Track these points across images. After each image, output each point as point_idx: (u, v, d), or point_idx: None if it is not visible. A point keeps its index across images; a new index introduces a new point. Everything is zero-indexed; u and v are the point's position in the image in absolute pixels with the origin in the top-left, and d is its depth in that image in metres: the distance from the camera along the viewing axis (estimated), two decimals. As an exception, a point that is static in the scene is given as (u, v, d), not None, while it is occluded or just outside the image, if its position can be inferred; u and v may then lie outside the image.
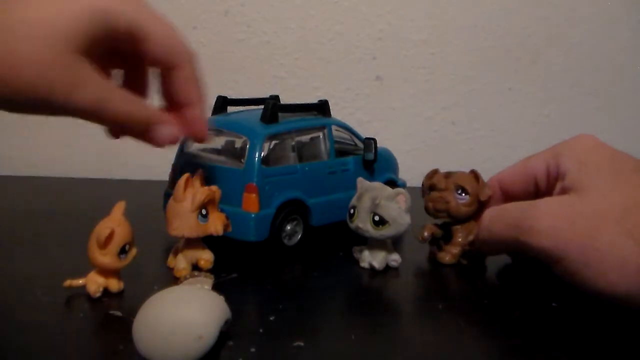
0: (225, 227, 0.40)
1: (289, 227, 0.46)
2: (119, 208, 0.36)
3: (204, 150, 0.48)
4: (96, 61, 0.30)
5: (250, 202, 0.43)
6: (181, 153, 0.48)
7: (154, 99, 0.35)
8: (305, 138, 0.48)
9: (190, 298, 0.30)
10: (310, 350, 0.30)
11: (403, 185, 0.55)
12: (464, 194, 0.43)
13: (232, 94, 0.51)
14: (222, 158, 0.46)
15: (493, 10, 0.74)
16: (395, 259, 0.43)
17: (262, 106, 0.46)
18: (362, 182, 0.43)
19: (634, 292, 0.32)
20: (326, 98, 0.51)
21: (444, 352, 0.31)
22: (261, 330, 0.32)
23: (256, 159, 0.43)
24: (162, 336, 0.28)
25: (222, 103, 0.50)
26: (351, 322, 0.35)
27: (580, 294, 0.35)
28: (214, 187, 0.40)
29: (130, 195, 0.61)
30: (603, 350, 0.32)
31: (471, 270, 0.43)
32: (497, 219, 0.40)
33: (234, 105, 0.51)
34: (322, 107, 0.50)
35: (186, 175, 0.39)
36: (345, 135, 0.51)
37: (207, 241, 0.41)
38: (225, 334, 0.30)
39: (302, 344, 0.31)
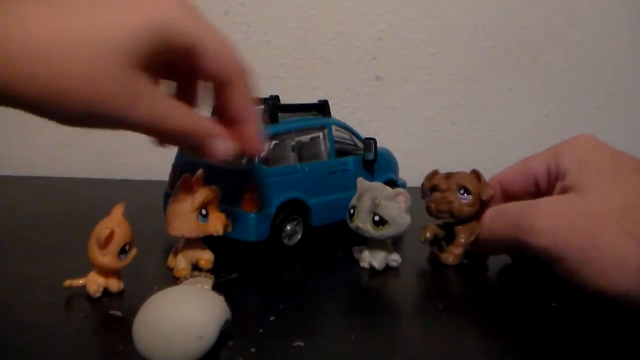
0: (225, 227, 0.40)
1: (289, 227, 0.46)
2: (119, 208, 0.36)
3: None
4: (150, 73, 0.30)
5: (250, 202, 0.43)
6: (181, 153, 0.48)
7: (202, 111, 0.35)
8: (305, 138, 0.48)
9: (190, 298, 0.30)
10: (310, 350, 0.30)
11: (403, 185, 0.55)
12: (466, 194, 0.43)
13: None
14: (222, 158, 0.46)
15: (493, 10, 0.74)
16: (395, 259, 0.43)
17: (262, 106, 0.46)
18: (362, 182, 0.43)
19: (634, 291, 0.32)
20: (326, 98, 0.51)
21: (444, 352, 0.31)
22: (261, 330, 0.32)
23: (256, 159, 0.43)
24: (162, 336, 0.28)
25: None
26: (351, 322, 0.35)
27: (580, 293, 0.35)
28: (214, 187, 0.40)
29: (130, 195, 0.61)
30: (603, 350, 0.32)
31: (471, 270, 0.43)
32: (498, 218, 0.40)
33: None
34: (322, 107, 0.50)
35: (186, 175, 0.39)
36: (345, 135, 0.51)
37: (207, 241, 0.41)
38: (225, 334, 0.30)
39: (302, 344, 0.31)
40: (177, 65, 0.32)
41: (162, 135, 0.32)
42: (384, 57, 0.75)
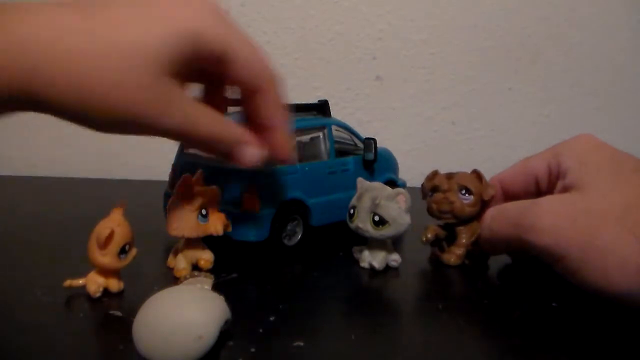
0: (225, 227, 0.40)
1: (289, 227, 0.46)
2: (119, 208, 0.36)
3: (204, 150, 0.48)
4: (180, 79, 0.30)
5: (250, 202, 0.43)
6: (181, 153, 0.48)
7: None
8: (305, 138, 0.48)
9: (190, 298, 0.30)
10: (310, 350, 0.30)
11: (403, 185, 0.55)
12: (467, 194, 0.43)
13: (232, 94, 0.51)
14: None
15: (493, 10, 0.74)
16: (395, 259, 0.43)
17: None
18: (362, 182, 0.43)
19: (634, 290, 0.32)
20: (326, 98, 0.51)
21: (444, 352, 0.31)
22: (261, 330, 0.32)
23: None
24: (162, 336, 0.28)
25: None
26: (351, 322, 0.35)
27: (580, 293, 0.35)
28: (214, 187, 0.40)
29: (130, 195, 0.61)
30: (603, 350, 0.32)
31: (471, 270, 0.43)
32: (499, 217, 0.40)
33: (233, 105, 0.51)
34: (322, 107, 0.50)
35: (186, 175, 0.39)
36: (345, 135, 0.51)
37: (207, 241, 0.41)
38: (225, 334, 0.30)
39: (302, 344, 0.31)
40: (206, 70, 0.32)
41: (193, 142, 0.33)
42: (384, 57, 0.75)
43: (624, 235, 0.32)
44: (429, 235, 0.44)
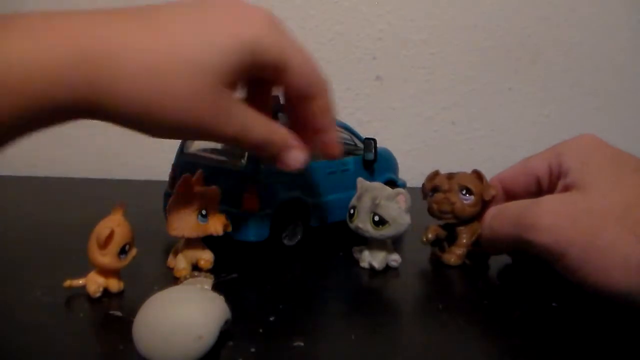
0: (225, 227, 0.40)
1: (289, 227, 0.46)
2: (119, 208, 0.36)
3: (204, 150, 0.48)
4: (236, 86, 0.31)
5: (250, 202, 0.43)
6: (181, 153, 0.48)
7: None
8: (305, 138, 0.48)
9: (190, 298, 0.30)
10: (310, 350, 0.30)
11: (403, 185, 0.55)
12: (468, 195, 0.43)
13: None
14: (222, 158, 0.46)
15: (493, 10, 0.74)
16: (395, 259, 0.43)
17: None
18: (362, 182, 0.43)
19: (635, 290, 0.32)
20: (326, 98, 0.51)
21: (444, 352, 0.31)
22: (261, 330, 0.32)
23: (256, 158, 0.43)
24: (162, 336, 0.28)
25: None
26: (351, 322, 0.35)
27: (581, 294, 0.35)
28: (214, 187, 0.40)
29: (130, 195, 0.61)
30: (603, 350, 0.32)
31: (471, 270, 0.43)
32: (499, 216, 0.40)
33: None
34: (322, 107, 0.50)
35: (186, 175, 0.39)
36: (345, 135, 0.51)
37: (207, 241, 0.41)
38: (225, 334, 0.30)
39: (302, 344, 0.31)
40: (257, 76, 0.32)
41: (245, 146, 0.33)
42: (384, 57, 0.75)
43: (624, 235, 0.32)
44: (430, 236, 0.44)
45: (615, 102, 0.78)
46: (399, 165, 0.56)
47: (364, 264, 0.43)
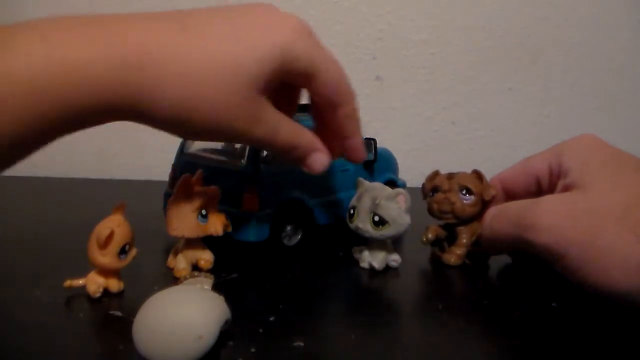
0: (225, 227, 0.40)
1: (289, 227, 0.46)
2: (119, 208, 0.36)
3: (204, 150, 0.48)
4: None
5: (250, 202, 0.43)
6: (181, 153, 0.48)
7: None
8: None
9: (190, 298, 0.30)
10: (310, 350, 0.30)
11: (403, 186, 0.55)
12: (468, 195, 0.43)
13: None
14: (222, 158, 0.46)
15: (493, 10, 0.74)
16: (395, 259, 0.43)
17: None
18: (362, 182, 0.43)
19: (635, 290, 0.32)
20: (326, 98, 0.51)
21: (444, 352, 0.31)
22: (261, 330, 0.32)
23: (256, 159, 0.43)
24: (162, 336, 0.28)
25: None
26: (351, 322, 0.35)
27: (581, 294, 0.35)
28: (213, 187, 0.40)
29: (130, 195, 0.61)
30: (603, 350, 0.32)
31: (471, 271, 0.43)
32: (500, 216, 0.40)
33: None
34: (322, 107, 0.50)
35: (186, 175, 0.39)
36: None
37: (207, 241, 0.41)
38: (225, 334, 0.30)
39: (302, 344, 0.31)
40: (287, 81, 0.33)
41: (272, 148, 0.34)
42: (384, 57, 0.75)
43: (624, 235, 0.32)
44: (430, 236, 0.44)
45: (615, 102, 0.78)
46: (399, 165, 0.56)
47: (364, 264, 0.43)
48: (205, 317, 0.29)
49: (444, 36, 0.75)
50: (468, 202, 0.43)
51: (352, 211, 0.42)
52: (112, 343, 0.31)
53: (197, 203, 0.39)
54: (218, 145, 0.48)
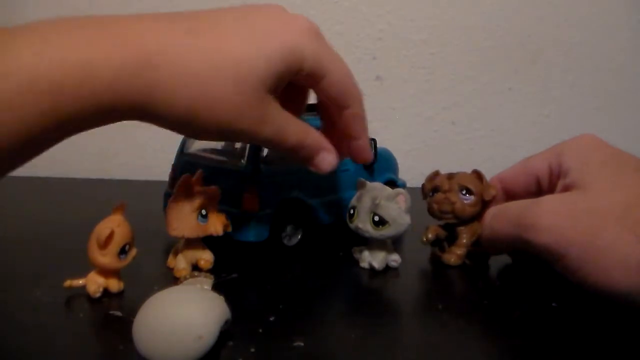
0: (225, 227, 0.40)
1: (289, 227, 0.46)
2: (119, 208, 0.36)
3: (204, 150, 0.48)
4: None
5: (250, 202, 0.43)
6: (181, 153, 0.48)
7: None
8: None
9: (190, 298, 0.30)
10: (310, 350, 0.30)
11: (403, 186, 0.55)
12: (468, 195, 0.43)
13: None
14: (222, 158, 0.46)
15: (493, 10, 0.74)
16: (395, 259, 0.43)
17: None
18: (362, 182, 0.43)
19: (635, 290, 0.32)
20: (326, 98, 0.51)
21: (444, 352, 0.31)
22: (261, 330, 0.32)
23: (256, 159, 0.43)
24: (162, 336, 0.28)
25: None
26: (351, 322, 0.35)
27: (581, 294, 0.35)
28: (213, 187, 0.40)
29: (130, 195, 0.61)
30: (603, 350, 0.32)
31: (471, 271, 0.43)
32: (500, 216, 0.40)
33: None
34: (322, 107, 0.50)
35: (186, 175, 0.39)
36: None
37: (207, 241, 0.41)
38: (225, 334, 0.30)
39: (302, 344, 0.31)
40: (295, 81, 0.33)
41: (280, 148, 0.34)
42: (384, 57, 0.75)
43: (624, 235, 0.32)
44: (430, 236, 0.44)
45: (615, 102, 0.78)
46: (399, 165, 0.56)
47: (364, 264, 0.43)
48: (205, 317, 0.29)
49: (444, 36, 0.75)
50: (468, 202, 0.43)
51: (352, 211, 0.42)
52: (112, 343, 0.31)
53: (197, 203, 0.39)
54: (218, 145, 0.48)
